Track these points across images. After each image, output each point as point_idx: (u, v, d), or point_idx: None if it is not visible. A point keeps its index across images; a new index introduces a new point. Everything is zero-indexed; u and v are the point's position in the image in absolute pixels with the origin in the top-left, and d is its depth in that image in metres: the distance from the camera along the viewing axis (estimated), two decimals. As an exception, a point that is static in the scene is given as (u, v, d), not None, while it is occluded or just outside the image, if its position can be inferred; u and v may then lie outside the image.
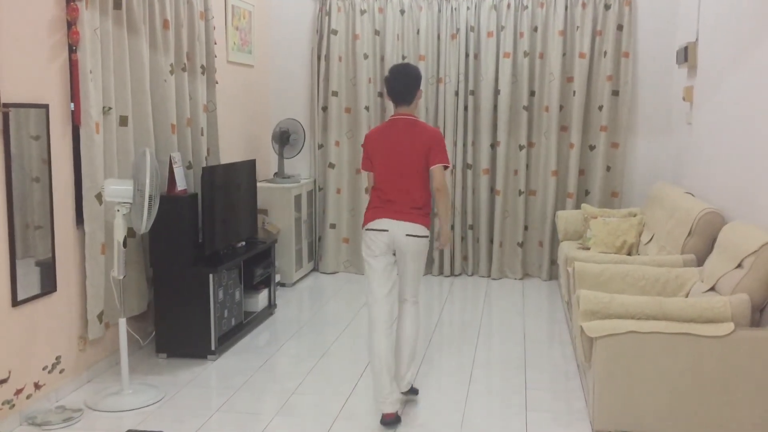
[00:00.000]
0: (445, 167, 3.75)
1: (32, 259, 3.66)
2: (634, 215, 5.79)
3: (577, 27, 6.45)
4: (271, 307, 5.58)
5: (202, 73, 5.15)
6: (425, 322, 5.39)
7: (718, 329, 3.32)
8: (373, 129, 3.99)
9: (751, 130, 4.19)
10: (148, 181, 3.79)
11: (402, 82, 3.80)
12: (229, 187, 4.97)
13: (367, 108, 6.75)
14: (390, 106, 6.60)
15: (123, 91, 4.27)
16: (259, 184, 6.27)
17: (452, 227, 6.72)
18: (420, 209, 3.73)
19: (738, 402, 3.34)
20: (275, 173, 6.68)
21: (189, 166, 4.97)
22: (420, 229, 3.71)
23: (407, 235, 3.69)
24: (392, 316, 3.74)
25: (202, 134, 5.13)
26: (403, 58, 6.68)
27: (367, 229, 3.74)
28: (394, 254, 3.76)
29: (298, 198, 6.58)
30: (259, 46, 6.71)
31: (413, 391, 3.97)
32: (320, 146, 6.91)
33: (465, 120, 6.69)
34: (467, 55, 6.64)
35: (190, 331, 4.52)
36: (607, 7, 6.39)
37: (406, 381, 3.86)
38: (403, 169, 3.73)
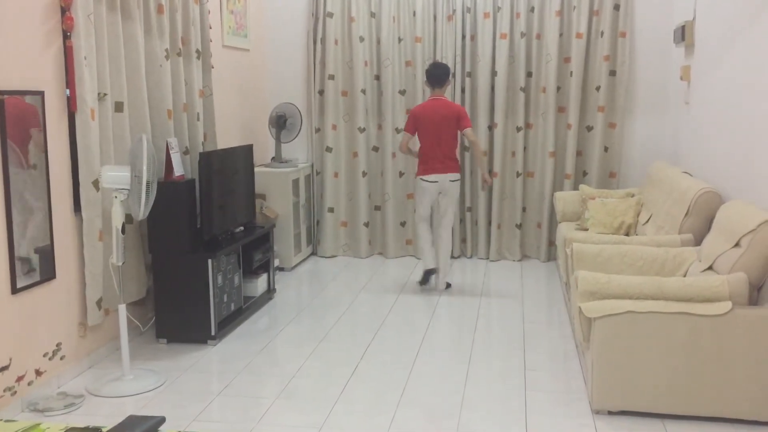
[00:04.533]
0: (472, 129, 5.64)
1: (31, 247, 3.65)
2: (632, 195, 5.79)
3: (574, 7, 6.41)
4: (270, 291, 5.59)
5: (198, 58, 5.13)
6: (425, 303, 5.43)
7: (716, 308, 3.34)
8: (417, 106, 5.73)
9: (749, 108, 4.19)
10: (145, 167, 3.78)
11: (440, 71, 5.63)
12: (227, 173, 4.96)
13: (363, 91, 6.73)
14: (386, 89, 6.71)
15: (118, 77, 4.26)
16: (256, 169, 6.25)
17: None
18: (453, 159, 5.62)
19: (736, 380, 3.36)
20: (272, 158, 6.67)
21: (186, 152, 4.96)
22: (456, 175, 5.63)
23: (450, 180, 5.59)
24: (429, 222, 5.77)
25: (198, 119, 5.11)
26: (399, 40, 6.66)
27: (422, 179, 5.60)
28: (440, 193, 5.63)
29: (295, 182, 6.57)
30: (254, 29, 6.67)
31: (449, 286, 5.84)
32: (317, 130, 6.89)
33: (462, 102, 6.67)
34: (464, 37, 6.62)
35: (190, 317, 4.53)
36: (603, -14, 6.37)
37: (444, 282, 5.78)
38: (441, 132, 5.55)
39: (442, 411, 3.63)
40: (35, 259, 3.67)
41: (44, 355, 3.79)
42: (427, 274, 5.83)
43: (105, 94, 4.13)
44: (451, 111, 5.56)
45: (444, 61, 6.56)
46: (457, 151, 5.69)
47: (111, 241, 4.02)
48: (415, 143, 5.73)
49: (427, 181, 5.58)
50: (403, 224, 6.90)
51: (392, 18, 6.64)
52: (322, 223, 6.96)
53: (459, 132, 5.60)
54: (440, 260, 5.71)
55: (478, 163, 5.78)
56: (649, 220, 5.16)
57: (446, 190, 5.60)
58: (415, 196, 5.86)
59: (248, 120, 6.59)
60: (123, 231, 3.88)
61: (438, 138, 5.55)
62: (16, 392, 3.56)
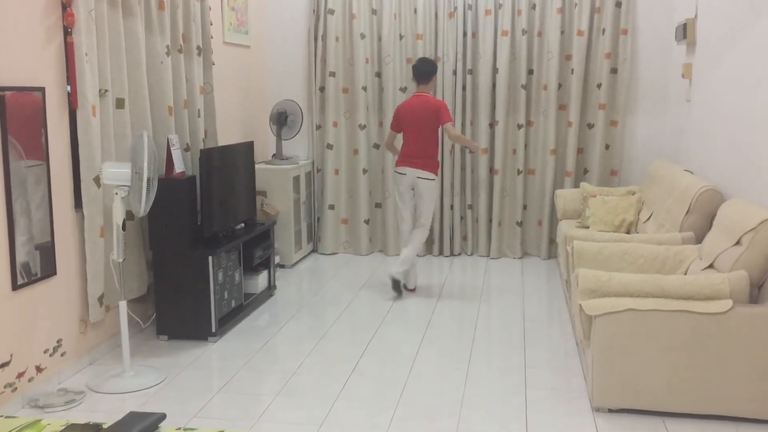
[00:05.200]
0: (453, 124, 5.42)
1: (32, 243, 3.66)
2: (633, 193, 5.79)
3: (576, 4, 6.40)
4: (270, 288, 5.59)
5: (199, 55, 5.12)
6: (425, 300, 5.43)
7: (717, 306, 3.33)
8: (401, 103, 5.60)
9: (750, 107, 4.18)
10: (146, 164, 3.78)
11: (425, 66, 5.49)
12: (228, 169, 4.96)
13: (364, 88, 6.72)
14: (387, 86, 6.71)
15: (119, 74, 4.26)
16: (257, 166, 6.26)
17: (449, 206, 6.75)
18: (430, 159, 5.45)
19: (736, 378, 3.36)
20: (273, 155, 6.67)
21: (187, 149, 4.96)
22: (428, 174, 5.43)
23: (418, 177, 5.42)
24: (409, 222, 5.61)
25: (199, 116, 5.11)
26: (401, 37, 6.65)
27: (395, 172, 5.53)
28: (413, 190, 5.50)
29: (296, 179, 6.57)
30: (255, 26, 6.67)
31: (396, 285, 5.49)
32: (318, 127, 6.89)
33: (463, 99, 6.67)
34: (465, 34, 6.61)
35: (191, 313, 4.53)
36: (605, -17, 6.36)
37: (396, 273, 5.46)
38: (420, 129, 5.43)
39: (442, 409, 3.63)
40: (36, 255, 3.67)
41: (45, 352, 3.79)
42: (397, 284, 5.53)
43: (106, 91, 4.13)
44: (430, 107, 5.39)
45: (445, 59, 6.56)
46: (438, 151, 5.51)
47: (112, 237, 4.02)
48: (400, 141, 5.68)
49: (398, 172, 5.49)
50: (403, 221, 6.90)
51: (393, 15, 6.64)
52: (322, 220, 6.96)
53: (440, 128, 5.42)
54: (408, 255, 5.44)
55: (463, 142, 5.58)
56: (650, 218, 5.16)
57: (416, 187, 5.44)
58: (394, 195, 5.66)
59: (249, 117, 6.59)
60: (123, 228, 3.89)
61: (415, 135, 5.42)
62: (16, 388, 3.56)
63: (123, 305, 3.98)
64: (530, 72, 6.60)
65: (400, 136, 5.91)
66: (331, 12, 6.66)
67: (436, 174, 5.48)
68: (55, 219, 3.82)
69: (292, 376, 4.05)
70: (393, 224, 6.85)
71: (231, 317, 4.81)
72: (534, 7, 6.49)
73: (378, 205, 6.95)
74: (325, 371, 4.11)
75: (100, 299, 4.11)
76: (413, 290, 5.68)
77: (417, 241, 5.54)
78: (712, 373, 3.37)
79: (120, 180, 3.82)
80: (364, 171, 6.85)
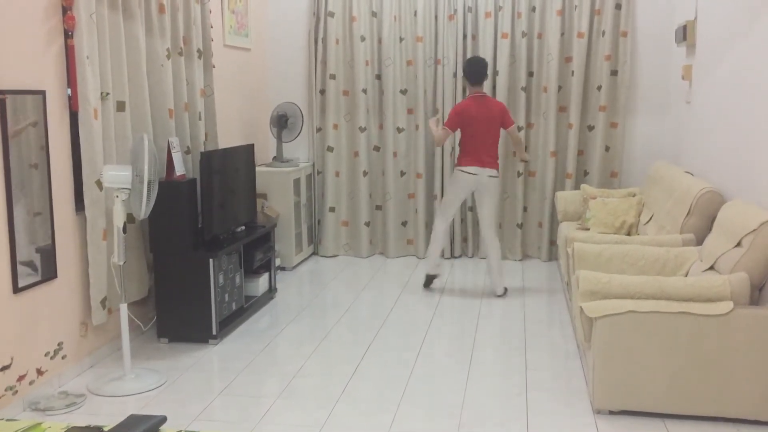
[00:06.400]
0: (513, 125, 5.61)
1: (32, 246, 3.66)
2: (634, 195, 5.79)
3: (576, 6, 6.41)
4: (271, 291, 5.60)
5: (199, 58, 5.13)
6: (426, 303, 5.44)
7: (718, 308, 3.33)
8: (460, 103, 5.57)
9: (750, 108, 4.18)
10: (146, 166, 3.78)
11: (476, 67, 5.48)
12: (228, 172, 4.96)
13: (364, 90, 6.73)
14: (387, 89, 6.71)
15: (120, 77, 4.26)
16: (257, 169, 6.26)
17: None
18: (494, 157, 5.52)
19: (737, 380, 3.35)
20: (274, 157, 6.68)
21: (187, 151, 4.96)
22: (494, 172, 5.53)
23: (489, 176, 5.48)
24: (448, 225, 5.73)
25: (199, 119, 5.11)
26: (401, 40, 6.65)
27: (461, 170, 5.49)
28: (472, 191, 5.56)
29: (297, 182, 6.57)
30: (255, 29, 6.67)
31: (506, 291, 5.69)
32: (318, 129, 6.89)
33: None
34: (465, 36, 6.61)
35: (191, 316, 4.53)
36: (605, -15, 6.36)
37: (501, 288, 5.62)
38: (485, 129, 5.45)
39: (443, 410, 3.63)
40: (37, 258, 3.68)
41: (45, 355, 3.79)
42: (430, 279, 5.84)
43: (107, 94, 4.13)
44: (496, 110, 5.47)
45: (445, 61, 6.56)
46: (496, 147, 5.57)
47: (113, 240, 4.02)
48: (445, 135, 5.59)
49: (465, 171, 5.46)
50: (404, 224, 6.90)
51: (393, 17, 6.64)
52: (323, 223, 6.96)
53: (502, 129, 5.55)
54: (492, 264, 5.60)
55: (518, 149, 5.76)
56: (650, 219, 5.16)
57: (484, 184, 5.48)
58: (446, 189, 5.57)
59: (249, 119, 6.59)
60: (124, 230, 3.89)
61: (483, 136, 5.43)
62: (17, 391, 3.56)
63: (124, 308, 3.98)
64: (530, 74, 6.61)
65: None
66: (332, 14, 6.67)
67: (499, 170, 5.62)
68: (55, 222, 3.82)
69: (293, 378, 4.05)
70: (394, 226, 6.85)
71: (232, 320, 4.81)
72: (534, 9, 6.50)
73: (378, 208, 6.96)
74: (326, 373, 4.11)
75: (103, 302, 4.12)
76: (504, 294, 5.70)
77: (495, 242, 5.59)
78: (713, 374, 3.37)
79: (120, 183, 3.82)
80: (365, 173, 6.86)
